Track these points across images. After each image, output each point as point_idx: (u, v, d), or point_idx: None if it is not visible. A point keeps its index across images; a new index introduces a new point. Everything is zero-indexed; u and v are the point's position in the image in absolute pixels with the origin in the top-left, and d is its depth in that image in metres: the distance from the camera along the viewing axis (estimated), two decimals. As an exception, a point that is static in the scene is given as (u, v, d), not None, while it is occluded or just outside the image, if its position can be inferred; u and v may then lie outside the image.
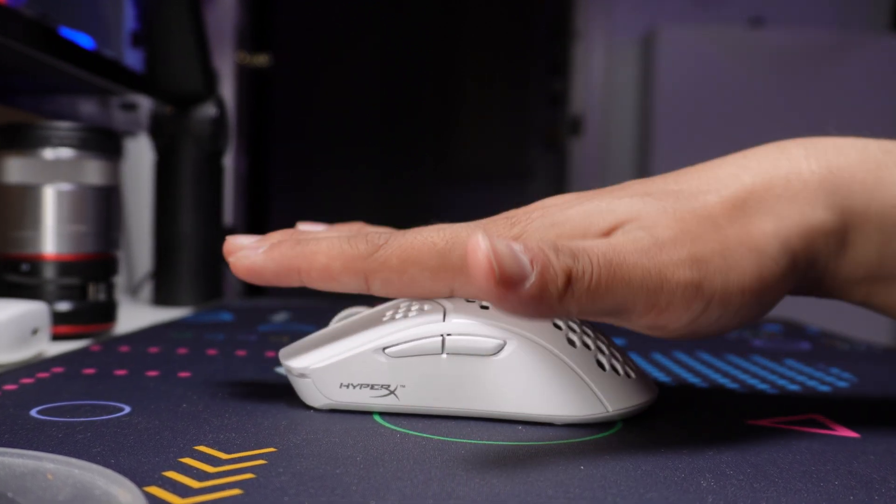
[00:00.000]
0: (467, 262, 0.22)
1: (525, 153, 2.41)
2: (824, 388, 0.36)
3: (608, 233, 0.26)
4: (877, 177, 0.27)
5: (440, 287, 0.28)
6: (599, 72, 2.21)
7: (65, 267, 0.47)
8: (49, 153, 0.47)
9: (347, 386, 0.29)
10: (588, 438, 0.26)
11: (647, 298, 0.25)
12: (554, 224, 0.27)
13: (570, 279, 0.23)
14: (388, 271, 0.28)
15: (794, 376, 0.39)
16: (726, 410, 0.31)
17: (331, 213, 2.54)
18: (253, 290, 1.82)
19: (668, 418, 0.29)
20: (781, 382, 0.37)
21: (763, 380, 0.38)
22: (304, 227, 0.35)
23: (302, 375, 0.29)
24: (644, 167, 2.11)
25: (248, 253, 0.29)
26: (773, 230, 0.26)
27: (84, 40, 0.60)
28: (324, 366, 0.29)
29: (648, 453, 0.25)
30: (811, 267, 0.27)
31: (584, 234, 0.27)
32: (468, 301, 0.29)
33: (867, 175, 0.27)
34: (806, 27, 2.09)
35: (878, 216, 0.27)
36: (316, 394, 0.29)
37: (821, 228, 0.27)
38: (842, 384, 0.37)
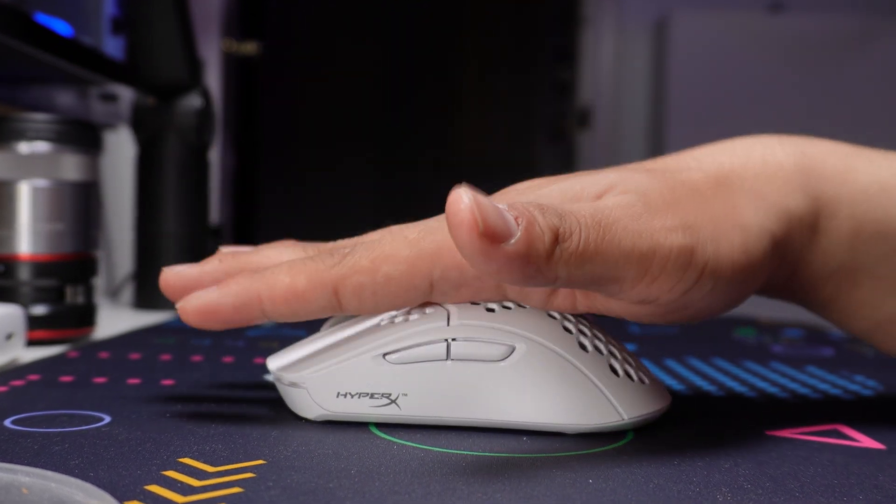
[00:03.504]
0: (448, 220, 0.22)
1: (530, 146, 2.41)
2: (848, 397, 0.36)
3: (597, 198, 0.27)
4: (847, 163, 0.29)
5: (419, 280, 0.27)
6: (609, 60, 2.21)
7: (41, 268, 0.47)
8: (24, 147, 0.47)
9: (345, 395, 0.28)
10: (597, 450, 0.26)
11: (639, 264, 0.25)
12: (538, 197, 0.28)
13: (557, 238, 0.23)
14: (358, 274, 0.27)
15: (816, 384, 0.39)
16: (744, 420, 0.31)
17: (323, 210, 2.53)
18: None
19: (682, 428, 0.29)
20: (802, 391, 0.37)
21: (783, 388, 0.38)
22: (227, 249, 0.33)
23: (294, 385, 0.29)
24: (656, 161, 2.11)
25: (198, 294, 0.28)
26: (753, 210, 0.27)
27: (61, 27, 0.60)
28: (319, 374, 0.29)
29: (661, 466, 0.25)
30: (786, 253, 0.28)
31: (573, 201, 0.27)
32: (473, 304, 0.29)
33: (838, 161, 0.29)
34: (829, 13, 2.09)
35: (849, 202, 0.29)
36: (310, 404, 0.29)
37: (795, 212, 0.28)
38: (866, 392, 0.37)
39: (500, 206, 0.22)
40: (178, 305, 0.28)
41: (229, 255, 0.31)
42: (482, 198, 0.22)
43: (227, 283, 0.28)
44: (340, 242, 0.32)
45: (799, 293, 0.31)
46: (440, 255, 0.27)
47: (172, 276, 0.30)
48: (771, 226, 0.27)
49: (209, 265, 0.30)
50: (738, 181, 0.28)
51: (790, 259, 0.29)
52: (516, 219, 0.22)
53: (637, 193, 0.26)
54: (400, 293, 0.27)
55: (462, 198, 0.22)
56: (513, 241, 0.22)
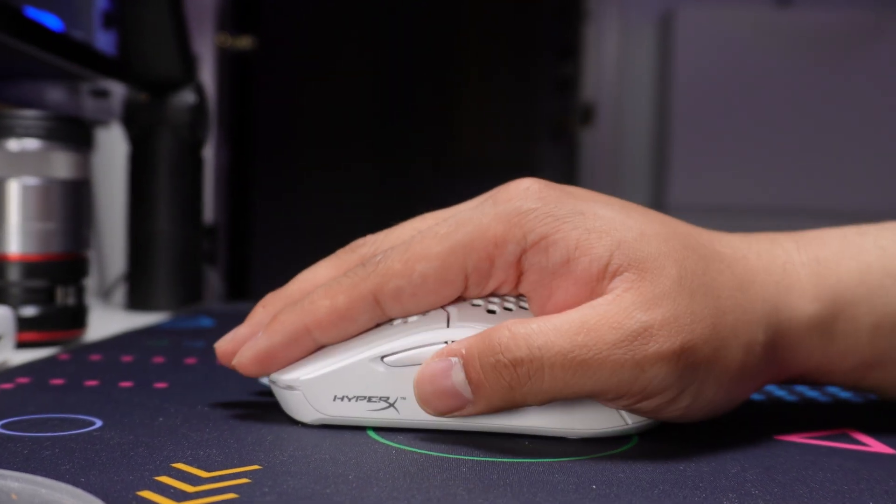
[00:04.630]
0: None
1: (531, 144, 2.41)
2: (857, 401, 0.36)
3: (597, 281, 0.27)
4: (860, 262, 0.30)
5: (454, 275, 0.28)
6: (612, 55, 2.21)
7: (31, 268, 0.47)
8: (13, 144, 0.47)
9: (342, 398, 0.28)
10: (601, 455, 0.26)
11: (616, 391, 0.26)
12: (581, 214, 0.28)
13: (514, 384, 0.26)
14: (394, 279, 0.28)
15: (825, 388, 0.39)
16: (751, 424, 0.31)
17: (320, 209, 2.53)
18: (235, 294, 1.82)
19: (688, 433, 0.29)
20: (811, 394, 0.37)
21: (791, 391, 0.38)
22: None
23: (290, 388, 0.29)
24: (661, 160, 2.11)
25: (249, 345, 0.29)
26: (763, 333, 0.28)
27: (51, 21, 0.60)
28: (315, 377, 0.29)
29: (666, 471, 0.25)
30: (794, 358, 0.30)
31: (579, 263, 0.27)
32: (473, 305, 0.29)
33: (850, 261, 0.30)
34: (837, 7, 2.09)
35: (867, 301, 0.30)
36: (307, 408, 0.29)
37: (808, 323, 0.29)
38: (876, 397, 0.37)
39: (453, 367, 0.27)
40: (234, 363, 0.30)
41: (271, 297, 0.32)
42: (425, 382, 0.27)
43: (271, 325, 0.29)
44: (367, 241, 0.32)
45: (823, 382, 0.32)
46: (472, 246, 0.28)
47: (226, 344, 0.31)
48: (776, 338, 0.29)
49: (256, 317, 0.31)
50: (760, 289, 0.29)
51: (800, 362, 0.30)
52: (467, 374, 0.27)
53: (647, 291, 0.27)
54: (438, 289, 0.28)
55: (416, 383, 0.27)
56: (469, 406, 0.27)
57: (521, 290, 0.29)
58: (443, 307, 0.29)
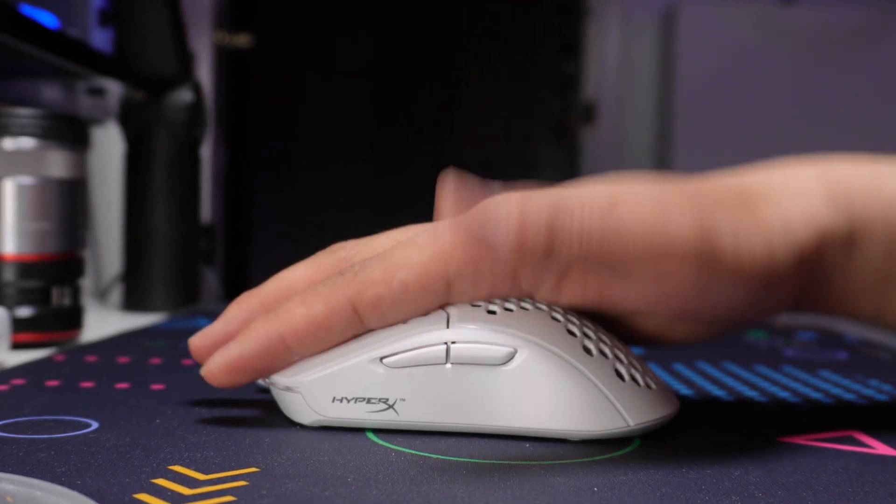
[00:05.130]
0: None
1: (532, 143, 2.41)
2: (862, 402, 0.36)
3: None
4: (872, 178, 0.29)
5: (435, 282, 0.28)
6: (614, 54, 2.21)
7: (26, 268, 0.47)
8: (8, 143, 0.47)
9: (341, 400, 0.28)
10: (603, 457, 0.26)
11: (652, 250, 0.26)
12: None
13: (554, 218, 0.25)
14: (373, 287, 0.27)
15: (830, 389, 0.39)
16: (755, 426, 0.31)
17: (318, 208, 2.53)
18: (233, 294, 1.82)
19: (691, 435, 0.29)
20: (815, 395, 0.37)
21: (795, 393, 0.38)
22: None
23: (289, 389, 0.29)
24: (663, 158, 2.11)
25: (219, 353, 0.28)
26: (778, 219, 0.27)
27: (47, 19, 0.60)
28: (314, 378, 0.29)
29: (669, 474, 0.25)
30: (818, 266, 0.28)
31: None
32: (473, 306, 0.28)
33: (864, 179, 0.29)
34: (842, 5, 2.09)
35: (882, 218, 0.29)
36: (305, 409, 0.29)
37: (827, 226, 0.28)
38: (881, 398, 0.37)
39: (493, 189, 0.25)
40: (203, 372, 0.28)
41: (246, 295, 0.31)
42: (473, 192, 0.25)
43: (244, 332, 0.28)
44: (346, 245, 0.32)
45: (843, 308, 0.31)
46: (452, 253, 0.27)
47: (199, 339, 0.30)
48: (798, 235, 0.28)
49: (230, 313, 0.31)
50: (762, 195, 0.28)
51: (824, 274, 0.29)
52: (510, 200, 0.25)
53: (656, 190, 0.27)
54: (419, 298, 0.28)
55: (455, 194, 0.25)
56: (506, 228, 0.25)
57: (524, 287, 0.29)
58: (442, 307, 0.29)
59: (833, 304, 0.30)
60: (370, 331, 0.29)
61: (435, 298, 0.28)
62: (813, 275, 0.29)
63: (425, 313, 0.28)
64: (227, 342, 0.29)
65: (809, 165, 0.30)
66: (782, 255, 0.27)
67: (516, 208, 0.25)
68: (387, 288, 0.27)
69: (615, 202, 0.26)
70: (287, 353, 0.28)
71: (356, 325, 0.28)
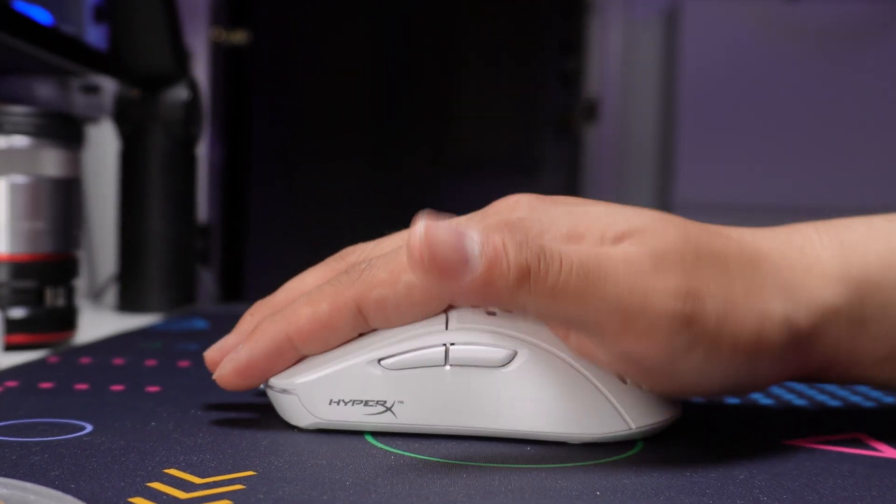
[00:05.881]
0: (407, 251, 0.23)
1: (534, 141, 2.41)
2: (869, 404, 0.36)
3: (613, 241, 0.27)
4: (889, 245, 0.29)
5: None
6: (617, 50, 2.21)
7: (19, 269, 0.47)
8: (1, 141, 0.47)
9: (338, 402, 0.28)
10: (605, 460, 0.26)
11: (623, 318, 0.25)
12: (571, 213, 0.28)
13: (526, 275, 0.24)
14: (378, 288, 0.27)
15: (836, 390, 0.39)
16: (760, 429, 0.31)
17: (317, 207, 2.52)
18: (230, 295, 1.82)
19: (695, 438, 0.29)
20: (821, 397, 0.37)
21: (800, 394, 0.38)
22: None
23: (285, 391, 0.29)
24: (666, 157, 2.11)
25: (230, 357, 0.29)
26: (780, 300, 0.27)
27: (40, 15, 0.60)
28: (311, 380, 0.29)
29: (672, 477, 0.25)
30: (818, 346, 0.28)
31: (584, 237, 0.27)
32: (473, 307, 0.28)
33: (879, 245, 0.29)
34: (848, 1, 2.09)
35: None
36: (302, 412, 0.29)
37: (832, 305, 0.28)
38: (889, 400, 0.37)
39: (472, 235, 0.24)
40: (216, 377, 0.29)
41: (259, 305, 0.32)
42: (441, 230, 0.23)
43: (251, 335, 0.29)
44: (356, 249, 0.32)
45: (853, 377, 0.31)
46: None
47: (214, 353, 0.30)
48: (797, 317, 0.27)
49: (243, 325, 0.31)
50: (773, 269, 0.28)
51: (827, 351, 0.29)
52: (482, 253, 0.24)
53: (653, 248, 0.26)
54: (424, 300, 0.28)
55: (416, 229, 0.23)
56: (470, 277, 0.24)
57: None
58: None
59: (841, 376, 0.30)
60: (369, 333, 0.29)
61: (440, 304, 0.28)
62: (809, 352, 0.28)
63: (429, 317, 0.28)
64: None
65: (826, 234, 0.30)
66: (773, 339, 0.27)
67: (490, 254, 0.24)
68: (392, 289, 0.27)
69: (597, 272, 0.25)
70: (294, 353, 0.29)
71: (361, 324, 0.28)
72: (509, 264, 0.24)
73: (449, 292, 0.26)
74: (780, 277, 0.28)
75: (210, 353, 0.31)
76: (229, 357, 0.29)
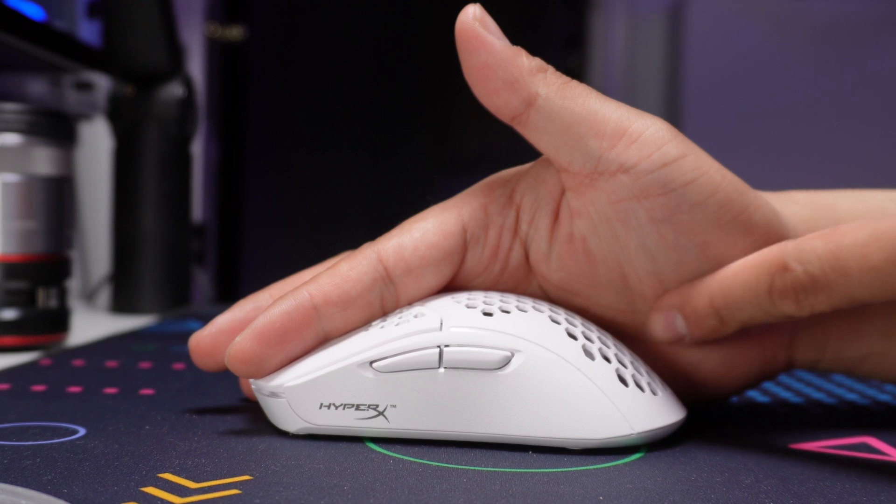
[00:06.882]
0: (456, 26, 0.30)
1: (536, 139, 2.40)
2: (877, 409, 0.36)
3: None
4: (858, 196, 0.37)
5: (452, 226, 0.30)
6: (620, 47, 2.21)
7: (11, 269, 0.47)
8: (-7, 139, 0.47)
9: (328, 406, 0.28)
10: (607, 465, 0.26)
11: (619, 121, 0.31)
12: None
13: (544, 69, 0.31)
14: (394, 237, 0.30)
15: (843, 394, 0.39)
16: (766, 433, 0.31)
17: (315, 207, 2.52)
18: (225, 296, 1.82)
19: (699, 442, 0.29)
20: (829, 401, 0.37)
21: (808, 398, 0.38)
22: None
23: (274, 395, 0.29)
24: (671, 155, 2.11)
25: (247, 329, 0.28)
26: (753, 195, 0.33)
27: (32, 10, 0.60)
28: (300, 383, 0.28)
29: (677, 483, 0.25)
30: (777, 236, 0.32)
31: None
32: (469, 307, 0.28)
33: (850, 195, 0.37)
34: (856, -4, 2.09)
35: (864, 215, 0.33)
36: (291, 416, 0.29)
37: (802, 222, 0.33)
38: (897, 403, 0.37)
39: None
40: (229, 351, 0.28)
41: (256, 293, 0.32)
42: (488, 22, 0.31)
43: (270, 306, 0.28)
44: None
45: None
46: (464, 202, 0.30)
47: (204, 337, 0.30)
48: (760, 202, 0.33)
49: (238, 304, 0.31)
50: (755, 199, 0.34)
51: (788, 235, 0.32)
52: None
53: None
54: (439, 242, 0.29)
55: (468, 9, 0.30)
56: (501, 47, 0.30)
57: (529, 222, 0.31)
58: (434, 309, 0.28)
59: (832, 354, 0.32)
60: (360, 334, 0.29)
61: (454, 243, 0.30)
62: (771, 238, 0.31)
63: (447, 259, 0.29)
64: (234, 334, 0.29)
65: (800, 192, 0.36)
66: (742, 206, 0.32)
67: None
68: (408, 235, 0.29)
69: (602, 97, 0.33)
70: (315, 317, 0.28)
71: (382, 275, 0.29)
72: (529, 59, 0.30)
73: (477, 63, 0.32)
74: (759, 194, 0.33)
75: (197, 333, 0.30)
76: (244, 331, 0.28)
